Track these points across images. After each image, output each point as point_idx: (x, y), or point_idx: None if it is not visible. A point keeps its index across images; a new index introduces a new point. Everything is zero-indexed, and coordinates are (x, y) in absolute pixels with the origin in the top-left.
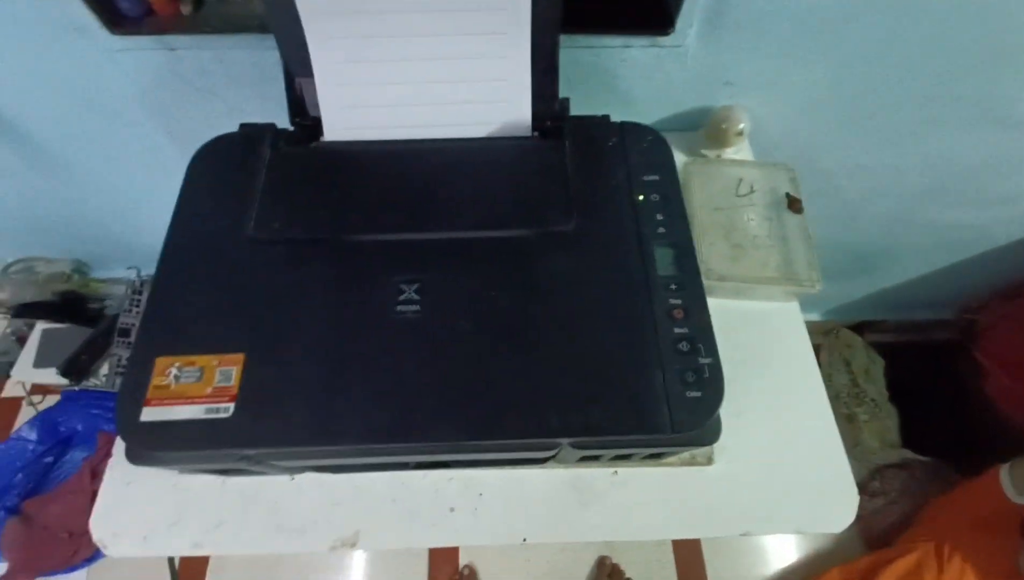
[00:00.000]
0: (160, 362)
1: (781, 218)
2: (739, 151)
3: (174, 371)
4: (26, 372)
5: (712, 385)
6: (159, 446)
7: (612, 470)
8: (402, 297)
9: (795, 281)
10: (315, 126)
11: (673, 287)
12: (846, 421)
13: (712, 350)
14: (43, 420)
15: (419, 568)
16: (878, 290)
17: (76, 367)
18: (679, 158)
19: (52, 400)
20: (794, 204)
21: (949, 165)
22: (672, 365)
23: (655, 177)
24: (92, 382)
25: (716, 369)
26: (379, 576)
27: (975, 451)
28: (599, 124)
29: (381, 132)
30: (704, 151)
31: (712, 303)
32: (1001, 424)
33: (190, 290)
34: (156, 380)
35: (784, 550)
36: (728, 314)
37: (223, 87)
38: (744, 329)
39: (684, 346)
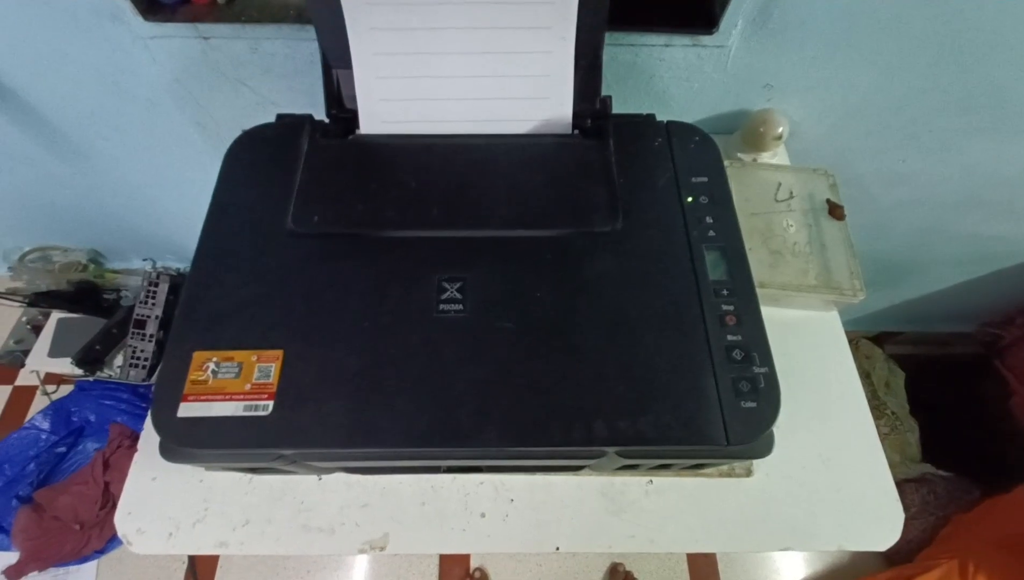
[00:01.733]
0: (198, 356)
1: (820, 225)
2: (775, 156)
3: (212, 366)
4: (41, 361)
5: (768, 396)
6: (196, 443)
7: (647, 479)
8: (444, 296)
9: (837, 290)
10: (352, 119)
11: (725, 293)
12: None
13: (767, 359)
14: (56, 410)
15: (430, 569)
16: (902, 302)
17: (91, 357)
18: None
19: (66, 390)
20: (835, 210)
21: (989, 175)
22: (726, 374)
23: (703, 179)
24: (107, 373)
25: (772, 379)
26: (389, 577)
27: (998, 468)
28: (644, 123)
29: (419, 126)
30: (740, 155)
31: None
32: None
33: (227, 283)
34: (193, 375)
35: (800, 563)
36: (766, 322)
37: (256, 78)
38: (782, 337)
39: (737, 354)
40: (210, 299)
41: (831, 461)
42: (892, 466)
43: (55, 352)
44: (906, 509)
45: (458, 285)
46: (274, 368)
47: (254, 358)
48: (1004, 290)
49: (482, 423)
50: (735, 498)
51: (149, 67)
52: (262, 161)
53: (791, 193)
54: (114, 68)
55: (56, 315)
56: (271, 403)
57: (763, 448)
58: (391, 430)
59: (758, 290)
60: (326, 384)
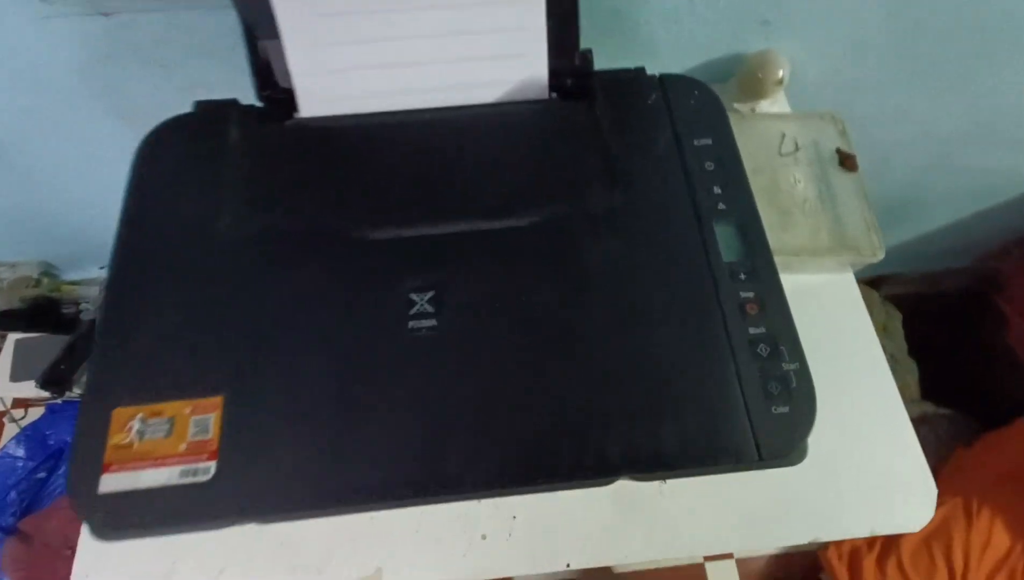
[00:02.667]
0: (118, 414)
1: (830, 177)
2: (775, 103)
3: (136, 425)
4: (3, 387)
5: (802, 397)
6: (124, 523)
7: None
8: (414, 310)
9: (853, 249)
10: (288, 100)
11: (742, 276)
12: None
13: (797, 352)
14: (30, 435)
15: None
16: (898, 243)
17: (56, 378)
18: None
19: (37, 413)
20: (848, 161)
21: (995, 104)
22: (751, 375)
23: (707, 140)
24: (76, 391)
25: (805, 377)
26: None
27: (998, 403)
28: (634, 79)
29: (369, 103)
30: (736, 105)
31: None
32: None
33: (148, 316)
34: (115, 438)
35: None
36: None
37: (181, 59)
38: (794, 307)
39: (763, 350)
40: (129, 339)
41: (855, 438)
42: None
43: (17, 376)
44: None
45: (429, 295)
46: (213, 420)
47: (188, 410)
48: (1001, 223)
49: (473, 465)
50: (756, 489)
51: (52, 52)
52: (182, 158)
53: (796, 144)
54: (14, 56)
55: (12, 337)
56: (213, 464)
57: (799, 455)
58: (365, 483)
59: None
60: (279, 433)
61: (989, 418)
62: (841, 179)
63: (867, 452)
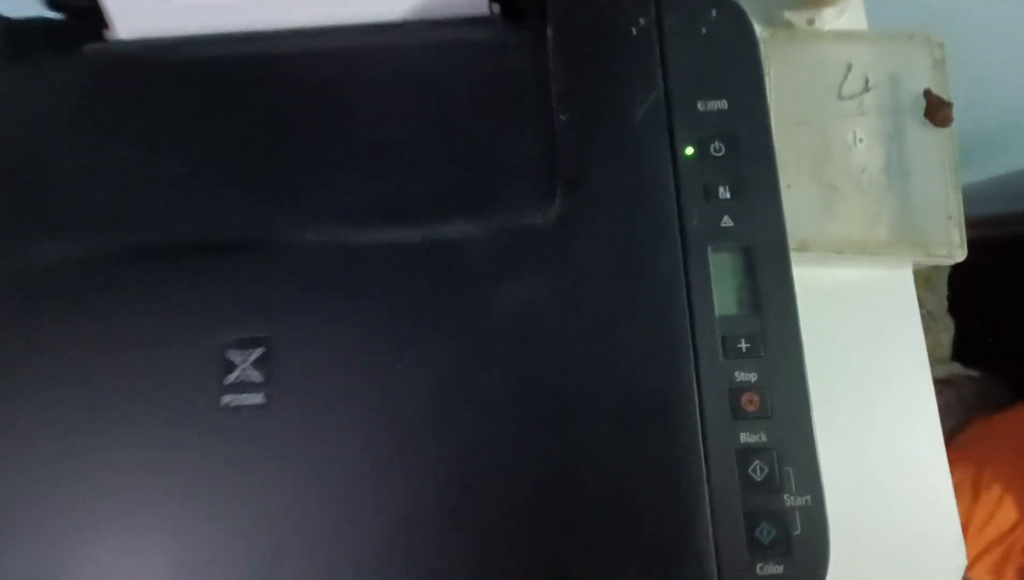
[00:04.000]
0: None
1: (907, 135)
2: (845, 12)
3: None
4: None
5: (807, 550)
6: None
7: None
8: (232, 377)
9: (922, 248)
10: (92, 11)
11: (743, 344)
12: None
13: (812, 477)
14: None
15: None
16: (967, 183)
17: None
18: None
19: None
20: (938, 110)
21: None
22: (732, 509)
23: (720, 103)
24: None
25: (816, 518)
26: None
27: None
28: None
29: (214, 17)
30: (788, 15)
31: None
32: None
33: None
34: None
35: None
36: (803, 288)
37: None
38: (827, 309)
39: (758, 470)
40: None
41: (881, 482)
42: None
43: None
44: None
45: (256, 354)
46: None
47: None
48: None
49: None
50: None
51: None
52: None
53: (866, 81)
54: None
55: None
56: None
57: None
58: None
59: (799, 254)
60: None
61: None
62: (923, 138)
63: (893, 500)
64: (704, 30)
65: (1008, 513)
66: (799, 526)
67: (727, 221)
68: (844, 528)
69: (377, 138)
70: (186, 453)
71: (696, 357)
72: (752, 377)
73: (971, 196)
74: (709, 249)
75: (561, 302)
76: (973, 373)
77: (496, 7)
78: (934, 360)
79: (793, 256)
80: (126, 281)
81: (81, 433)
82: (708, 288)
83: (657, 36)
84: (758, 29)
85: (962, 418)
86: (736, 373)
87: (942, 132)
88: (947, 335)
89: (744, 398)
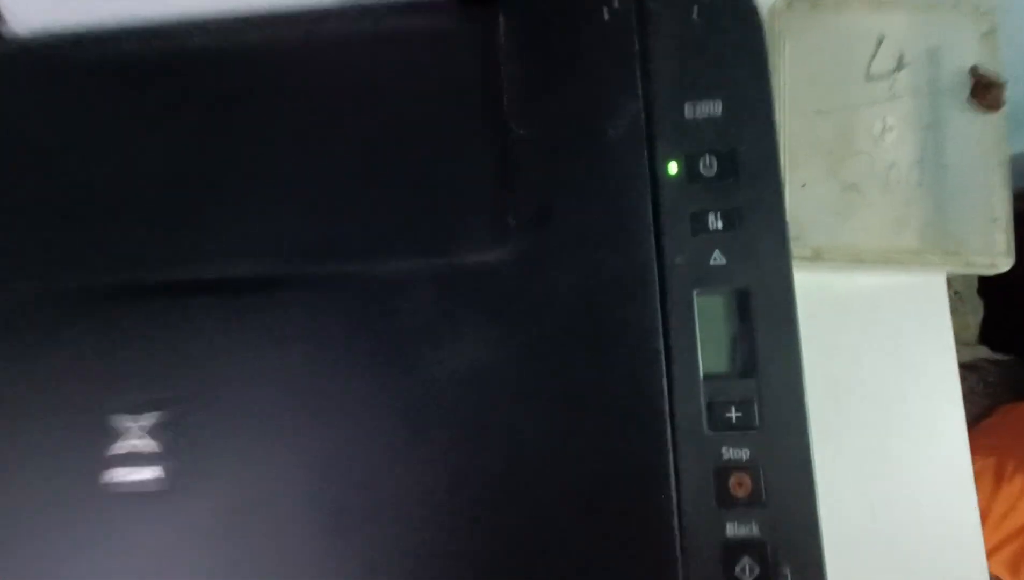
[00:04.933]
0: None
1: (946, 121)
2: None
3: None
4: None
5: None
6: None
7: None
8: (115, 447)
9: (959, 256)
10: None
11: (734, 412)
12: None
13: (814, 578)
14: None
15: None
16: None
17: None
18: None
19: None
20: (987, 92)
21: None
22: None
23: (714, 104)
24: None
25: None
26: None
27: None
28: None
29: (121, 6)
30: None
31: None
32: None
33: None
34: None
35: None
36: (820, 294)
37: None
38: (838, 322)
39: (747, 570)
40: None
41: (903, 503)
42: None
43: None
44: None
45: (152, 420)
46: None
47: None
48: None
49: None
50: None
51: None
52: None
53: (900, 58)
54: None
55: None
56: None
57: None
58: None
59: (813, 263)
60: None
61: None
62: (965, 125)
63: (919, 528)
64: (694, 13)
65: None
66: None
67: (718, 258)
68: (863, 553)
69: (299, 157)
70: (59, 546)
71: (674, 428)
72: (744, 454)
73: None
74: (695, 293)
75: (513, 361)
76: (1000, 357)
77: None
78: (959, 343)
79: (803, 264)
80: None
81: None
82: (693, 341)
83: (636, 21)
84: (774, 1)
85: (986, 404)
86: (724, 448)
87: (989, 118)
88: (975, 318)
89: (733, 480)
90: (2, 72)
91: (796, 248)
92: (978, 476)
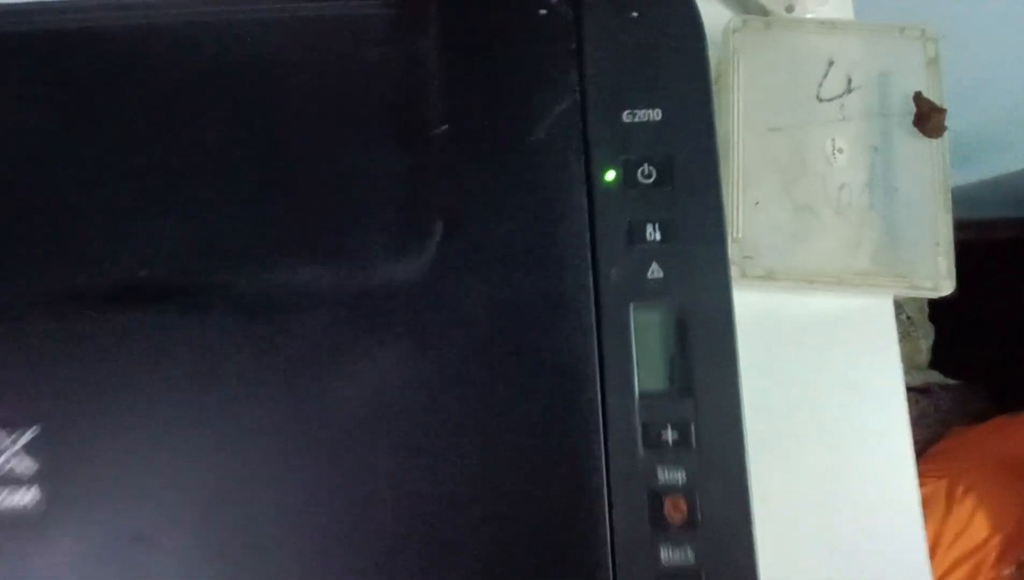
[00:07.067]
0: None
1: (894, 147)
2: (827, 1)
3: None
4: None
5: None
6: None
7: None
8: None
9: (905, 279)
10: None
11: (670, 435)
12: None
13: None
14: None
15: None
16: (955, 186)
17: None
18: (715, 16)
19: None
20: (930, 118)
21: None
22: None
23: (654, 114)
24: None
25: None
26: None
27: (1021, 383)
28: None
29: None
30: (765, 1)
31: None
32: None
33: None
34: None
35: None
36: (763, 317)
37: None
38: (788, 344)
39: None
40: None
41: (848, 516)
42: None
43: None
44: None
45: (28, 437)
46: None
47: None
48: None
49: None
50: None
51: None
52: None
53: (849, 81)
54: None
55: None
56: None
57: None
58: None
59: (767, 283)
60: None
61: (1006, 399)
62: (911, 150)
63: (854, 538)
64: (635, 14)
65: (980, 528)
66: None
67: (656, 271)
68: (814, 565)
69: (188, 149)
70: None
71: (607, 448)
72: (680, 476)
73: (956, 199)
74: (631, 307)
75: (431, 381)
76: (951, 382)
77: None
78: (912, 367)
79: (756, 283)
80: None
81: None
82: (628, 358)
83: (573, 18)
84: (729, 16)
85: (937, 428)
86: (659, 470)
87: (932, 144)
88: (926, 342)
89: (668, 504)
90: None
91: (749, 268)
92: (930, 499)
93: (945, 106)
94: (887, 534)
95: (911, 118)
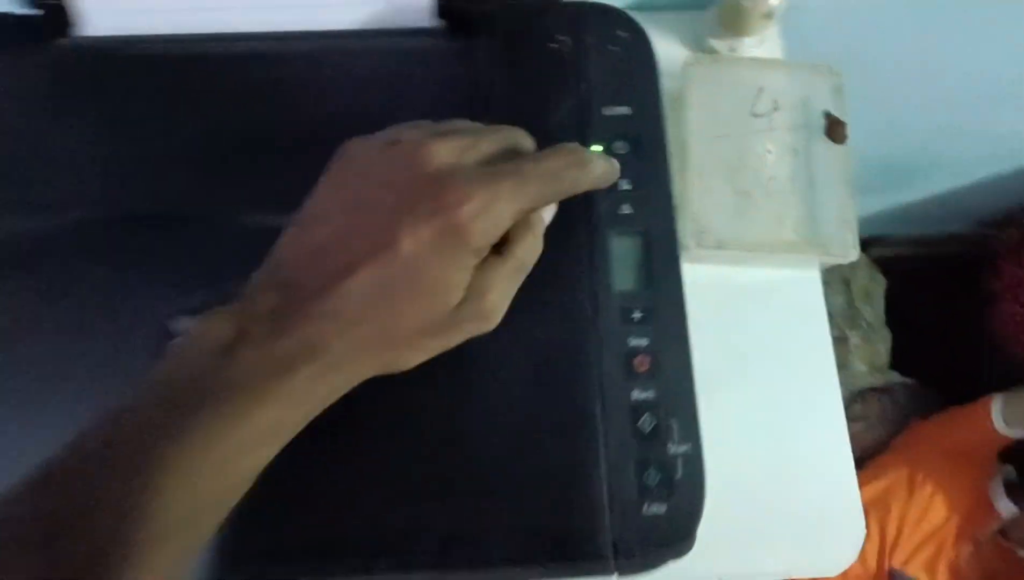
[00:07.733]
0: None
1: (811, 151)
2: (764, 42)
3: None
4: None
5: (686, 493)
6: None
7: None
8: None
9: (822, 247)
10: (57, 10)
11: (637, 314)
12: (836, 343)
13: (692, 429)
14: None
15: None
16: (895, 206)
17: None
18: (676, 54)
19: None
20: (835, 129)
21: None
22: (623, 457)
23: (625, 110)
24: None
25: (695, 464)
26: None
27: (971, 381)
28: (539, 7)
29: (176, 19)
30: (713, 41)
31: (696, 271)
32: (1003, 352)
33: None
34: None
35: None
36: (717, 285)
37: None
38: (737, 306)
39: (646, 422)
40: None
41: (785, 468)
42: (859, 376)
43: None
44: (866, 418)
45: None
46: None
47: None
48: (1009, 189)
49: None
50: None
51: None
52: None
53: (775, 103)
54: None
55: None
56: None
57: (679, 550)
58: None
59: (715, 252)
60: None
61: (957, 395)
62: (824, 153)
63: (793, 481)
64: (614, 47)
65: (939, 510)
66: (680, 471)
67: (627, 208)
68: (748, 512)
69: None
70: None
71: (596, 323)
72: (644, 341)
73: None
74: (611, 233)
75: None
76: (908, 381)
77: (443, 22)
78: (874, 369)
79: (709, 255)
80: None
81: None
82: (609, 267)
83: (576, 50)
84: (688, 56)
85: (899, 422)
86: (630, 338)
87: (840, 148)
88: (884, 346)
89: (637, 360)
90: (61, 64)
91: (704, 240)
92: (894, 486)
93: (846, 120)
94: (818, 472)
95: (823, 129)
